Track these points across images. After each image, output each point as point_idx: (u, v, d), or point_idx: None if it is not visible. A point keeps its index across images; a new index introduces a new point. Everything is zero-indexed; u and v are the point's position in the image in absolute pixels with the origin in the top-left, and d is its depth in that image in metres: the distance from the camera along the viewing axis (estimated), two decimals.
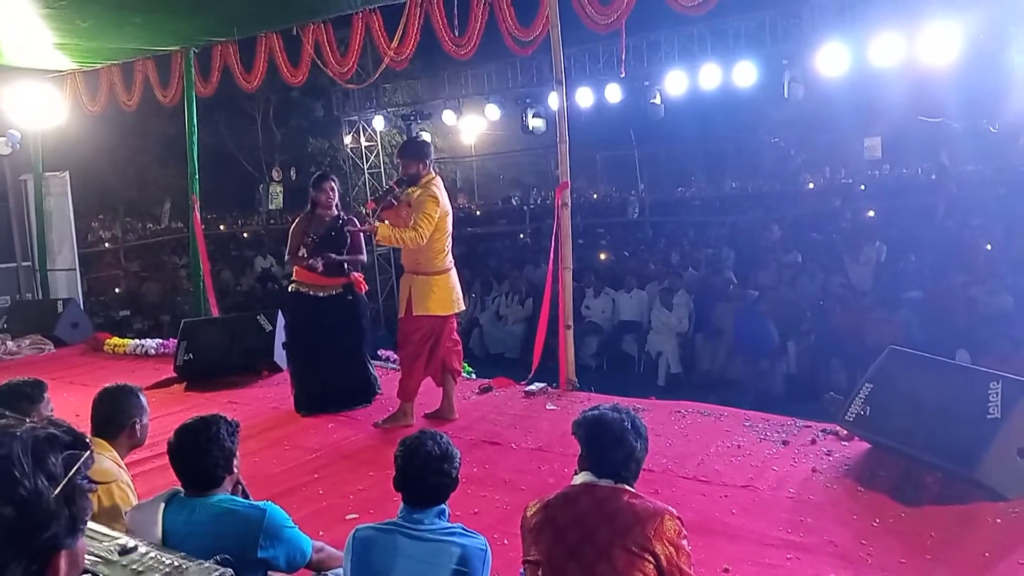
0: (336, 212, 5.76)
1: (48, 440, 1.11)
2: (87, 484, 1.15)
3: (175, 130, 11.30)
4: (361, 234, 5.74)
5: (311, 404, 5.77)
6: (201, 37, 8.25)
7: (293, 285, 5.84)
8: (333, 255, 5.59)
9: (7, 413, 1.17)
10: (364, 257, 5.93)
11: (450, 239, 5.26)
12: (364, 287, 5.90)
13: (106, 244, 23.79)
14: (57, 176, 10.46)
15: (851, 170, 25.37)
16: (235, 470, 2.68)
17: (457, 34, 6.84)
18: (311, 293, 5.74)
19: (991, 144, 15.52)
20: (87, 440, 1.18)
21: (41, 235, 10.26)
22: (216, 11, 7.45)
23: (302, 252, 5.63)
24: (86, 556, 1.26)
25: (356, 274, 5.80)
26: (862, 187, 22.64)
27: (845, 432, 4.43)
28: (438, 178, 5.23)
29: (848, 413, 4.23)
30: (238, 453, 2.71)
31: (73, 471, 1.12)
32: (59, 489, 1.09)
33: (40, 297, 10.21)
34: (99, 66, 9.20)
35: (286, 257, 6.06)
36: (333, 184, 5.82)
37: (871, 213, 16.66)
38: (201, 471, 2.58)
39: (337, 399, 5.74)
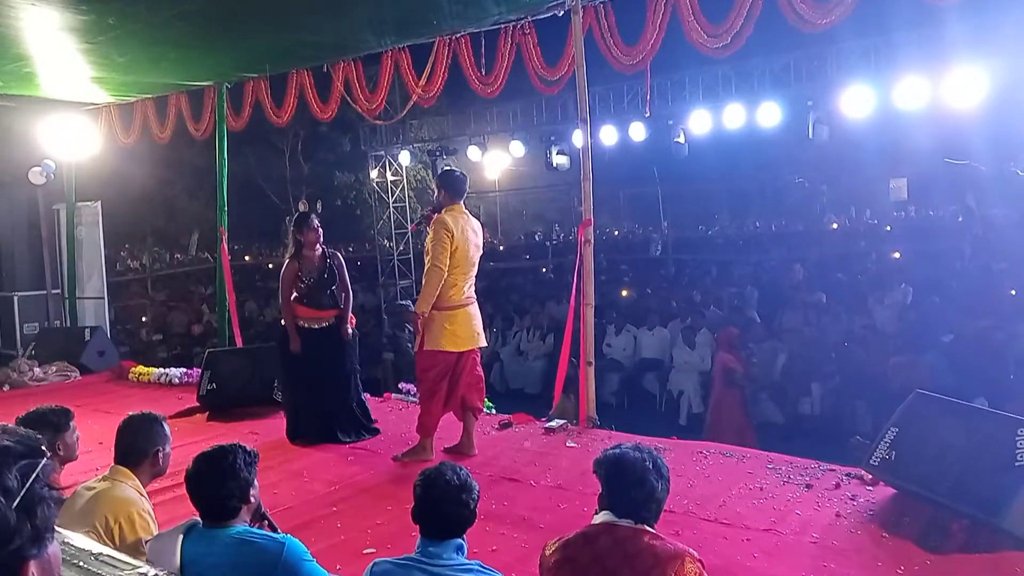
0: (320, 250, 5.89)
1: (1, 453, 1.11)
2: (48, 492, 1.13)
3: (205, 162, 11.50)
4: (345, 271, 5.99)
5: (305, 434, 5.82)
6: (234, 73, 8.43)
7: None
8: (329, 291, 5.83)
9: None
10: (350, 293, 6.08)
11: (468, 275, 5.18)
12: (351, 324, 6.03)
13: (133, 273, 24.07)
14: (89, 206, 10.64)
15: (876, 211, 25.20)
16: (252, 500, 2.67)
17: (484, 72, 6.92)
18: (307, 326, 5.87)
19: (1018, 188, 15.37)
20: (42, 447, 1.17)
21: (71, 264, 10.42)
22: (249, 48, 7.61)
23: (294, 295, 5.83)
24: None
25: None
26: (888, 228, 22.48)
27: (870, 477, 4.35)
28: (460, 210, 5.15)
29: (873, 457, 4.15)
30: (257, 483, 2.71)
31: (31, 481, 1.10)
32: (17, 502, 1.08)
33: (68, 325, 10.33)
34: (133, 99, 9.39)
35: (280, 304, 6.16)
36: (317, 223, 5.91)
37: (897, 255, 16.51)
38: (216, 500, 2.58)
39: (331, 430, 5.79)
